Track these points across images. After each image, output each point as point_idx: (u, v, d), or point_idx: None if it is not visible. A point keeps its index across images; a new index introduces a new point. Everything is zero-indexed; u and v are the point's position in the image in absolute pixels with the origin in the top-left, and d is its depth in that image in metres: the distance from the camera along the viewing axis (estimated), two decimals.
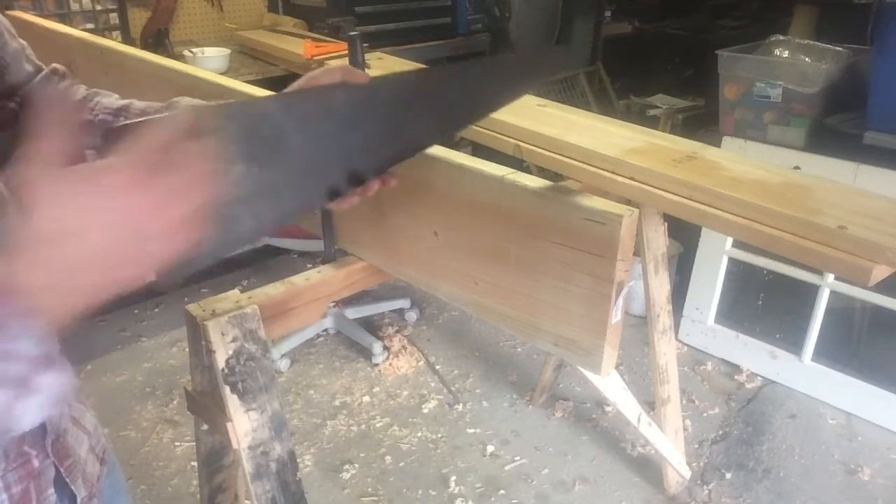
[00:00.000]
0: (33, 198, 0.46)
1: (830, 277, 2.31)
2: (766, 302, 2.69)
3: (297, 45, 2.58)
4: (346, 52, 1.93)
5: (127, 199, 0.48)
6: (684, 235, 2.73)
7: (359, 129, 0.75)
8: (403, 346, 2.72)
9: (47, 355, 0.49)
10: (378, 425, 2.33)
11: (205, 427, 1.21)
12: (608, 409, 2.39)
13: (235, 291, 1.11)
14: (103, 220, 0.47)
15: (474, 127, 1.61)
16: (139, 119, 0.63)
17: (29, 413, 0.49)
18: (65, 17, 2.64)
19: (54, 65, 0.88)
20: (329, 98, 0.73)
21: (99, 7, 2.76)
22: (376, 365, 2.62)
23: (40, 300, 0.47)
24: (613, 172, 1.43)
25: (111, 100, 0.89)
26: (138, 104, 0.87)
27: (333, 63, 0.78)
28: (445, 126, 0.82)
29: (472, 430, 2.32)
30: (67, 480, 0.77)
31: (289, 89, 0.82)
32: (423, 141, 0.82)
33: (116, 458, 0.95)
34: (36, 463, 0.72)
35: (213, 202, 0.52)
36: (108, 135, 0.82)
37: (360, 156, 0.76)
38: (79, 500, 0.79)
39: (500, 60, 0.90)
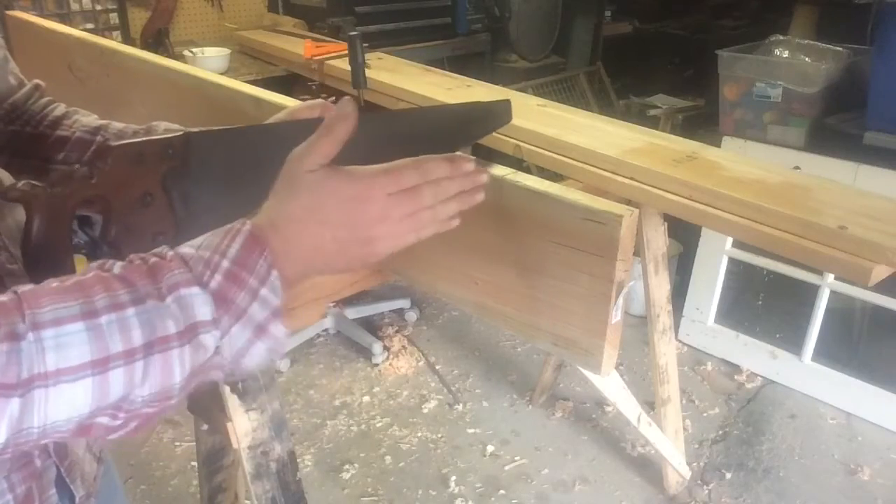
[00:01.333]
0: (300, 185, 0.59)
1: (830, 277, 2.31)
2: (766, 302, 2.69)
3: (297, 45, 2.58)
4: (346, 52, 1.93)
5: (365, 207, 0.59)
6: (684, 235, 2.73)
7: None
8: (403, 346, 2.72)
9: (280, 308, 0.59)
10: (378, 425, 2.33)
11: (205, 427, 1.21)
12: (608, 409, 2.39)
13: None
14: (342, 218, 0.59)
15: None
16: (134, 140, 0.66)
17: (258, 355, 0.58)
18: (65, 17, 2.64)
19: (35, 81, 0.90)
20: (303, 131, 0.75)
21: (99, 7, 2.76)
22: (376, 365, 2.62)
23: (283, 261, 0.58)
24: (613, 172, 1.43)
25: (90, 119, 0.90)
26: (116, 125, 0.89)
27: (316, 102, 0.80)
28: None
29: (472, 430, 2.32)
30: (67, 480, 0.77)
31: (271, 119, 0.83)
32: None
33: (113, 457, 0.96)
34: (38, 463, 0.73)
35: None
36: (97, 152, 0.84)
37: None
38: (77, 500, 0.79)
39: (451, 110, 0.92)
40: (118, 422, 0.52)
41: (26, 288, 0.50)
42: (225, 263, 0.55)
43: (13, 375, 0.45)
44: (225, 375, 0.59)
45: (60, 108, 0.90)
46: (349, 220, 0.59)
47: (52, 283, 0.51)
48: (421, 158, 0.63)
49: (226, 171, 0.70)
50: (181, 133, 0.67)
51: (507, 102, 0.90)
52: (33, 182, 0.59)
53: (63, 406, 0.48)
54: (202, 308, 0.53)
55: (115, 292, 0.51)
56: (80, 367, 0.48)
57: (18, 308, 0.48)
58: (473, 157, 0.67)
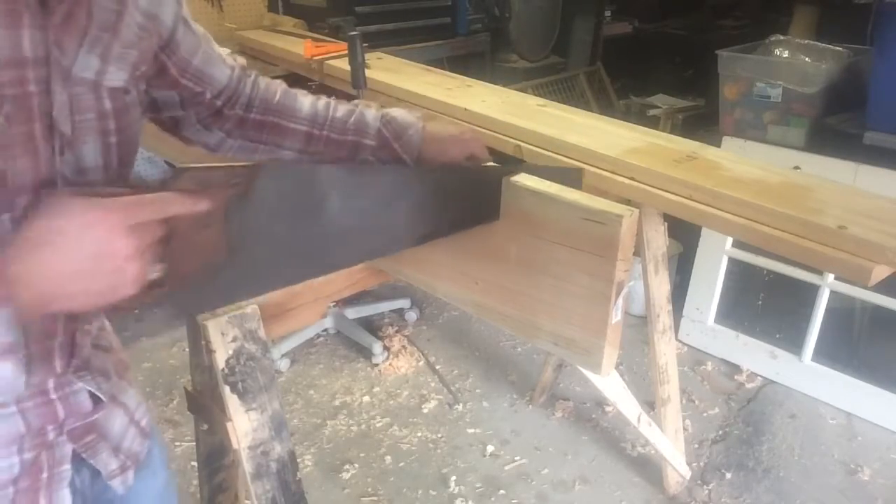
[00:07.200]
0: (40, 210, 0.56)
1: (830, 277, 2.31)
2: (766, 302, 2.69)
3: (297, 45, 2.58)
4: (346, 52, 1.93)
5: (106, 237, 0.56)
6: (684, 235, 2.73)
7: (392, 209, 0.82)
8: (403, 346, 2.72)
9: (9, 345, 0.59)
10: (378, 425, 2.33)
11: (205, 427, 1.21)
12: (608, 409, 2.39)
13: None
14: (86, 247, 0.55)
15: (474, 128, 1.61)
16: (201, 165, 0.68)
17: None
18: None
19: (241, 62, 0.97)
20: (375, 174, 0.79)
21: None
22: (376, 365, 2.62)
23: (18, 293, 0.54)
24: (613, 172, 1.43)
25: (305, 103, 1.01)
26: (342, 108, 1.00)
27: (461, 126, 0.82)
28: (465, 220, 0.88)
29: (472, 430, 2.32)
30: (84, 456, 0.78)
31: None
32: (439, 231, 0.89)
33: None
34: (51, 435, 0.74)
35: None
36: (174, 172, 0.89)
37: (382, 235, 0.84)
38: (104, 475, 0.80)
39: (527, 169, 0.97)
40: None
41: None
42: None
43: None
44: None
45: (279, 93, 0.99)
46: (91, 249, 0.56)
47: None
48: (162, 194, 0.62)
49: (287, 204, 0.73)
50: (250, 164, 0.70)
51: (577, 171, 0.93)
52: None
53: None
54: None
55: None
56: None
57: None
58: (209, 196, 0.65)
